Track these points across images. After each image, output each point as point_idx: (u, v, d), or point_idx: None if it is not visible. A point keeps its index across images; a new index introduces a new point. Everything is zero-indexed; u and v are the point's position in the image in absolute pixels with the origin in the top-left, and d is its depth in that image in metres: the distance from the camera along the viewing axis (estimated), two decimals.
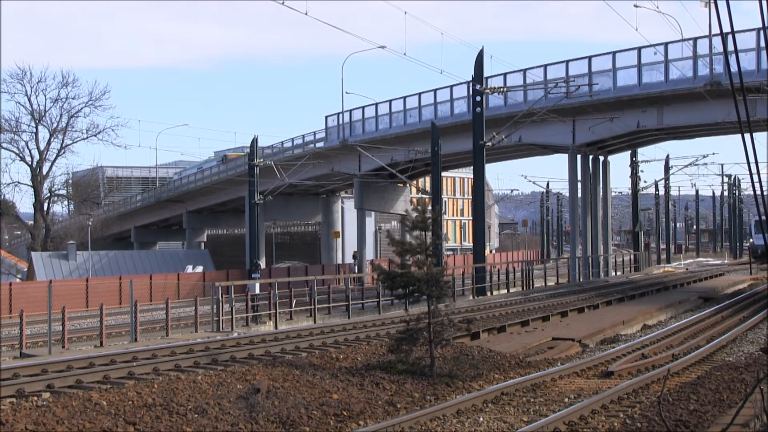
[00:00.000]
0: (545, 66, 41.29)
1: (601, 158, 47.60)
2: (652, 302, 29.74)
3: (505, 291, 36.89)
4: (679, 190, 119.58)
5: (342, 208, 72.59)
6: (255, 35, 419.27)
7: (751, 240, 66.91)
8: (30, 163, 60.49)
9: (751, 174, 7.64)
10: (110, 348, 19.95)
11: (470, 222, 72.28)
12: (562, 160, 57.80)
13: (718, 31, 10.37)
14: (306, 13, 26.30)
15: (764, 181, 7.94)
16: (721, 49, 32.74)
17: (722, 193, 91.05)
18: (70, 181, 70.43)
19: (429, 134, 40.50)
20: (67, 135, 61.39)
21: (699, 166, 69.01)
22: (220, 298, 24.04)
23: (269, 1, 24.40)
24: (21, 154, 60.35)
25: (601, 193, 47.85)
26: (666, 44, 37.38)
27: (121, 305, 43.63)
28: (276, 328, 24.98)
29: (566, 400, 12.85)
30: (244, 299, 30.43)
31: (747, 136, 7.52)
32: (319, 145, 55.40)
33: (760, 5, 7.17)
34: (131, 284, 31.08)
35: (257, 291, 37.31)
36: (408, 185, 56.79)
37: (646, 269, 54.80)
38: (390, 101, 50.39)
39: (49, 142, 60.95)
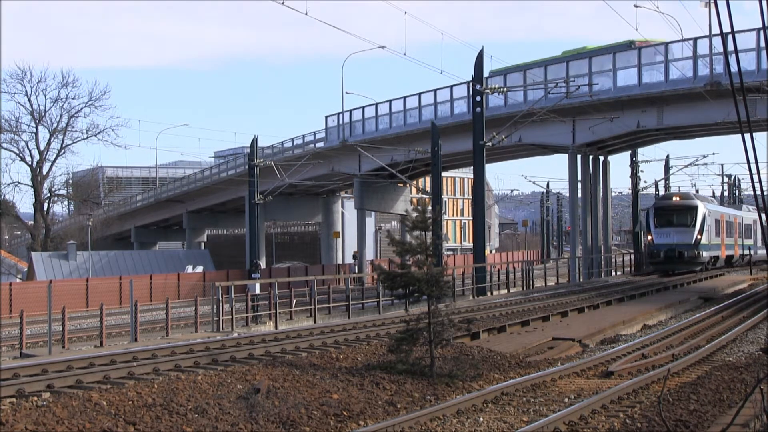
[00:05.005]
0: (545, 65, 41.29)
1: (601, 158, 47.60)
2: (652, 302, 29.74)
3: (505, 291, 36.91)
4: (679, 190, 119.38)
5: (342, 208, 72.58)
6: (255, 35, 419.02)
7: (650, 237, 45.30)
8: (30, 163, 60.53)
9: (751, 174, 7.64)
10: (110, 348, 19.96)
11: (470, 222, 72.28)
12: (562, 160, 57.86)
13: (718, 31, 10.37)
14: (306, 13, 26.41)
15: (764, 181, 7.93)
16: (721, 49, 32.73)
17: (722, 193, 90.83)
18: (70, 181, 70.43)
19: (429, 134, 40.49)
20: (67, 135, 61.45)
21: (699, 166, 68.62)
22: (220, 298, 24.04)
23: (269, 1, 24.41)
24: (21, 154, 60.43)
25: (601, 193, 47.86)
26: (666, 44, 37.38)
27: (121, 305, 43.63)
28: (276, 328, 24.98)
29: (566, 400, 12.85)
30: (244, 299, 30.42)
31: (747, 136, 7.52)
32: (319, 145, 55.36)
33: (760, 5, 7.18)
34: (131, 284, 31.11)
35: (257, 291, 37.28)
36: (408, 185, 56.77)
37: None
38: (390, 101, 50.35)
39: (49, 142, 61.03)
